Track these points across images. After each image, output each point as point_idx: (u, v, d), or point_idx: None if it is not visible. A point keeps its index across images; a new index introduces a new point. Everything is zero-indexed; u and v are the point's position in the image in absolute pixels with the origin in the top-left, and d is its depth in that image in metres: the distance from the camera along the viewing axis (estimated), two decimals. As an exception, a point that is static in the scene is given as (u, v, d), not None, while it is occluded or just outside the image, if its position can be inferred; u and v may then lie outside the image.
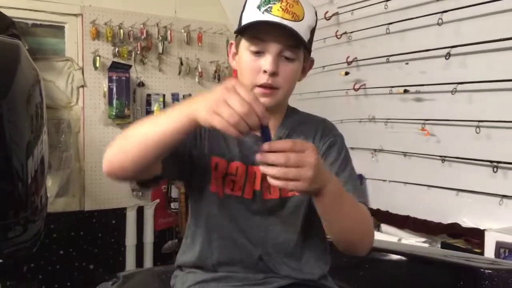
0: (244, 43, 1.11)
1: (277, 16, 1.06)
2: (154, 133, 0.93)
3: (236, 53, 1.17)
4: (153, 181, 1.07)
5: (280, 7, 1.07)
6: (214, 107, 0.83)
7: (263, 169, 0.86)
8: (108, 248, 3.46)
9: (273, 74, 1.08)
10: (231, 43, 1.19)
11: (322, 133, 1.21)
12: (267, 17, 1.06)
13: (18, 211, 1.78)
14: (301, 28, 1.08)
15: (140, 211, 3.49)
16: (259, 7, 1.07)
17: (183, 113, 0.89)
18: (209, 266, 1.15)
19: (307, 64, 1.19)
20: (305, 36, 1.09)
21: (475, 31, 2.12)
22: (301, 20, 1.08)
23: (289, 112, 1.24)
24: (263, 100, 1.09)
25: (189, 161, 1.12)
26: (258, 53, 1.09)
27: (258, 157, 0.86)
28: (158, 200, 3.51)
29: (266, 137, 0.87)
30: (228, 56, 1.21)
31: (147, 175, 1.04)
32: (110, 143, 1.01)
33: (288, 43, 1.08)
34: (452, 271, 1.42)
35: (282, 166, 0.84)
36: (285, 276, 1.15)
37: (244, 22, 1.10)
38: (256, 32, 1.08)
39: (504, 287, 1.20)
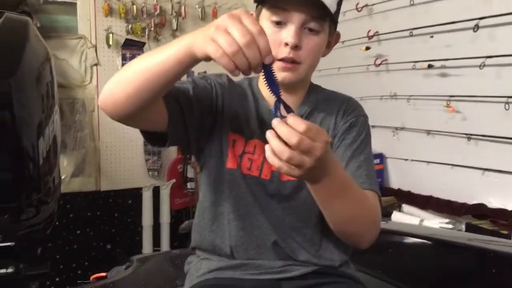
0: (264, 13, 1.03)
1: None
2: (152, 64, 0.85)
3: None
4: (159, 138, 1.01)
5: None
6: (213, 33, 0.75)
7: (270, 138, 0.77)
8: (125, 228, 3.45)
9: (296, 47, 0.99)
10: (251, 14, 1.09)
11: (345, 111, 1.13)
12: None
13: (30, 192, 1.73)
14: None
15: (156, 191, 3.46)
16: None
17: (183, 42, 0.81)
18: (225, 250, 1.09)
19: (333, 38, 1.10)
20: (332, 7, 1.00)
21: (505, 1, 1.99)
22: None
23: (311, 89, 1.16)
24: (284, 75, 1.02)
25: (200, 122, 1.05)
26: (280, 24, 1.00)
27: (273, 123, 0.77)
28: (174, 180, 3.47)
29: (286, 108, 0.80)
30: None
31: (147, 122, 0.98)
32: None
33: (313, 13, 0.99)
34: (478, 256, 1.35)
35: (291, 146, 0.76)
36: (304, 261, 1.08)
37: None
38: (278, 2, 0.99)
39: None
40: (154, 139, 1.02)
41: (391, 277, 1.47)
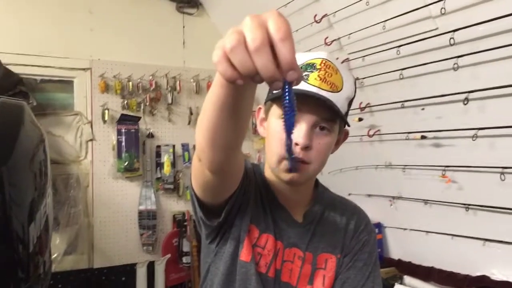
0: (275, 110, 1.02)
1: (314, 85, 0.98)
2: (213, 93, 0.74)
3: (264, 119, 1.08)
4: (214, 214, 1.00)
5: (318, 76, 0.98)
6: (226, 47, 0.59)
7: None
8: (118, 307, 3.32)
9: (306, 147, 0.98)
10: (259, 108, 1.10)
11: (356, 227, 1.14)
12: (303, 86, 0.97)
13: (19, 282, 1.67)
14: (339, 100, 0.99)
15: (151, 266, 3.37)
16: None
17: None
18: None
19: (341, 136, 1.10)
20: (342, 108, 1.01)
21: (493, 76, 2.04)
22: (339, 91, 0.99)
23: (319, 189, 1.17)
24: (291, 175, 1.02)
25: (235, 207, 1.03)
26: None
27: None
28: (169, 255, 3.39)
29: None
30: (256, 120, 1.12)
31: (231, 177, 0.95)
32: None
33: (324, 115, 0.99)
34: None
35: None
36: None
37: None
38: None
39: None
40: (210, 215, 1.02)
41: None
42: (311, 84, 0.98)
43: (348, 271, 1.09)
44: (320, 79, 0.98)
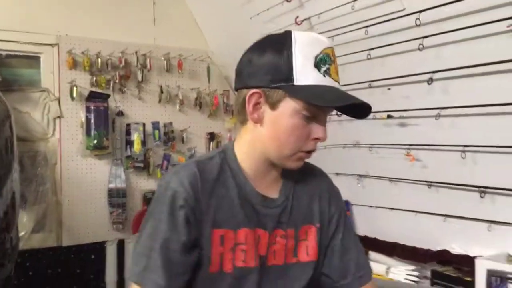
0: (294, 104, 0.98)
1: (335, 80, 1.00)
2: None
3: (259, 104, 1.02)
4: None
5: (335, 69, 1.00)
6: None
7: None
8: (88, 284, 3.32)
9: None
10: (255, 92, 1.01)
11: (329, 193, 1.19)
12: (329, 82, 0.98)
13: (-15, 256, 1.66)
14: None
15: (121, 244, 3.37)
16: (317, 66, 0.97)
17: None
18: None
19: None
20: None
21: (456, 56, 2.10)
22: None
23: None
24: (300, 163, 1.06)
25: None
26: (309, 118, 1.00)
27: None
28: (132, 264, 3.37)
29: None
30: (248, 106, 1.03)
31: None
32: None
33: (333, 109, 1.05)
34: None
35: None
36: None
37: (301, 80, 0.96)
38: (324, 102, 0.98)
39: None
40: None
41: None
42: (333, 78, 0.99)
43: (335, 237, 1.16)
44: (336, 73, 1.00)
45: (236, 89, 1.07)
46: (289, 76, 0.97)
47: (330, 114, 1.06)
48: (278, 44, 0.99)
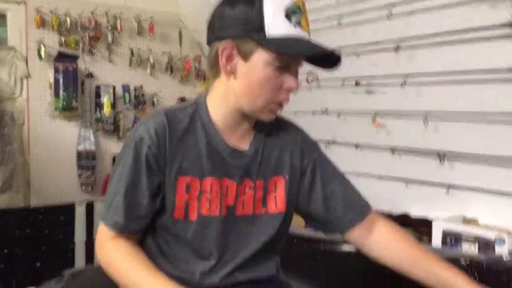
0: (266, 55, 1.00)
1: (305, 31, 1.01)
2: None
3: (231, 56, 1.03)
4: None
5: (305, 19, 1.01)
6: None
7: None
8: (57, 245, 3.33)
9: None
10: (228, 44, 1.02)
11: (303, 149, 1.19)
12: (300, 32, 0.99)
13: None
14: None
15: (90, 206, 3.38)
16: (288, 17, 0.98)
17: None
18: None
19: None
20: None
21: (423, 25, 2.17)
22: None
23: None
24: (273, 115, 1.08)
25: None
26: (281, 69, 1.01)
27: None
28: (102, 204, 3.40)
29: None
30: (221, 58, 1.03)
31: None
32: (105, 255, 1.08)
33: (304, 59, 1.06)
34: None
35: None
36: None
37: (272, 31, 0.98)
38: (296, 52, 1.00)
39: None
40: None
41: (325, 284, 1.54)
42: (304, 30, 1.00)
43: (313, 190, 1.18)
44: (306, 24, 1.01)
45: (209, 43, 1.08)
46: (260, 27, 0.98)
47: (301, 66, 1.07)
48: None
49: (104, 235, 1.07)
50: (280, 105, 1.07)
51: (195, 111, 1.10)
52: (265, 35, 0.98)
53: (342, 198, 1.19)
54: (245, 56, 1.02)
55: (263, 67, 1.00)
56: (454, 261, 1.26)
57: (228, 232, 1.10)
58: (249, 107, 1.06)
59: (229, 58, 1.03)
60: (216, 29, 1.05)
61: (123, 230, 1.05)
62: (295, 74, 1.04)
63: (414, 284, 1.30)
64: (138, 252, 1.07)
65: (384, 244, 1.18)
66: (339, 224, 1.19)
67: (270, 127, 1.15)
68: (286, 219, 1.17)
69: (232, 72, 1.04)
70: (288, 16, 0.98)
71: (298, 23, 0.99)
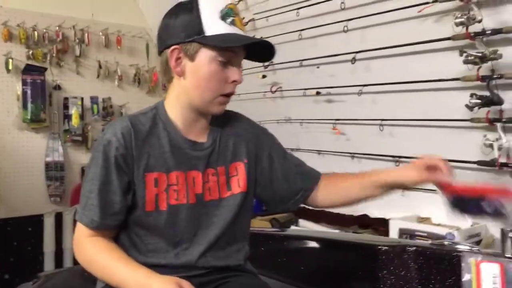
0: (209, 53, 1.13)
1: (240, 28, 1.14)
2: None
3: (180, 58, 1.15)
4: None
5: (239, 19, 1.15)
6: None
7: None
8: (25, 256, 3.34)
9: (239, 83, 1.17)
10: (175, 48, 1.14)
11: (254, 134, 1.33)
12: (236, 30, 1.13)
13: None
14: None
15: (58, 216, 3.41)
16: (223, 18, 1.12)
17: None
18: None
19: None
20: None
21: (377, 38, 2.33)
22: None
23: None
24: (222, 107, 1.20)
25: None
26: (224, 63, 1.14)
27: None
28: (77, 205, 3.43)
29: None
30: (170, 61, 1.16)
31: None
32: (80, 246, 1.16)
33: (244, 54, 1.17)
34: (354, 249, 1.58)
35: None
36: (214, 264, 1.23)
37: (209, 32, 1.11)
38: (233, 45, 1.12)
39: (398, 261, 1.37)
40: None
41: (288, 277, 1.65)
42: (238, 27, 1.14)
43: (273, 170, 1.32)
44: (242, 24, 1.16)
45: (159, 53, 1.22)
46: (200, 30, 1.12)
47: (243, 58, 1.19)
48: (188, 5, 1.15)
49: (81, 233, 1.15)
50: (227, 96, 1.19)
51: (155, 114, 1.22)
52: (205, 35, 1.12)
53: (299, 172, 1.35)
54: (191, 57, 1.15)
55: (208, 63, 1.14)
56: (403, 248, 1.40)
57: (197, 217, 1.21)
58: (199, 101, 1.18)
59: (178, 61, 1.16)
60: (164, 39, 1.18)
61: (99, 227, 1.14)
62: (238, 67, 1.17)
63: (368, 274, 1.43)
64: (114, 246, 1.16)
65: (325, 192, 1.35)
66: (301, 193, 1.34)
67: (224, 120, 1.29)
68: (248, 197, 1.29)
69: (182, 73, 1.17)
70: (223, 18, 1.13)
71: (233, 23, 1.13)
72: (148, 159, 1.16)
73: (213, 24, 1.12)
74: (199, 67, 1.15)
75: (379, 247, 1.44)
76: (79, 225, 1.16)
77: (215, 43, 1.12)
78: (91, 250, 1.13)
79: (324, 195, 1.35)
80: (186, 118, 1.21)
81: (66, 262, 3.38)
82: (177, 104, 1.21)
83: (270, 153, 1.34)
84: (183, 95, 1.19)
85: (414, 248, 1.36)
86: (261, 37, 2.94)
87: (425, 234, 2.24)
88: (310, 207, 1.39)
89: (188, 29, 1.13)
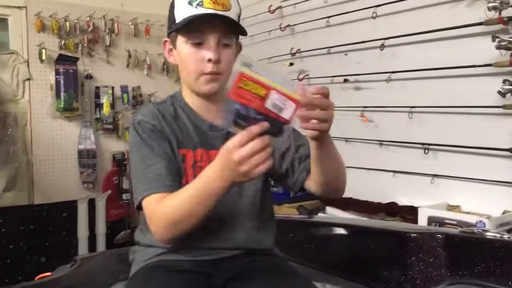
0: (181, 38, 1.19)
1: (209, 8, 1.15)
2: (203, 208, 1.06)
3: (171, 49, 1.24)
4: None
5: (210, 0, 1.16)
6: (243, 170, 0.93)
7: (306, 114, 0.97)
8: (60, 240, 3.45)
9: (217, 61, 1.18)
10: (165, 41, 1.26)
11: None
12: (201, 10, 1.15)
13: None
14: (232, 16, 1.18)
15: (91, 203, 3.50)
16: (190, 3, 1.16)
17: (220, 186, 1.01)
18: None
19: (237, 48, 1.29)
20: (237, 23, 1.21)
21: (406, 24, 2.30)
22: (230, 9, 1.18)
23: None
24: (210, 86, 1.20)
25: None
26: (198, 44, 1.17)
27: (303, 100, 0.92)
28: (109, 192, 3.53)
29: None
30: (164, 53, 1.28)
31: None
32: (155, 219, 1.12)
33: (224, 30, 1.18)
34: (382, 236, 1.58)
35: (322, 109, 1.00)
36: (242, 246, 1.24)
37: (178, 19, 1.17)
38: (194, 25, 1.16)
39: (427, 248, 1.37)
40: None
41: (315, 263, 1.66)
42: (206, 8, 1.16)
43: (291, 151, 1.28)
44: (213, 2, 1.16)
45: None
46: (173, 19, 1.19)
47: (222, 40, 1.18)
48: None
49: (151, 203, 1.13)
50: (210, 74, 1.19)
51: (174, 101, 1.28)
52: (176, 23, 1.18)
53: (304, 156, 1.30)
54: (174, 46, 1.22)
55: (183, 47, 1.19)
56: (432, 235, 1.40)
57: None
58: (189, 84, 1.24)
59: (170, 52, 1.26)
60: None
61: (174, 188, 1.13)
62: (213, 47, 1.17)
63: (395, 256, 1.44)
64: None
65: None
66: (300, 176, 1.28)
67: None
68: (267, 180, 1.31)
69: (175, 61, 1.25)
70: (190, 2, 1.16)
71: (200, 4, 1.15)
72: (177, 136, 1.22)
73: (180, 11, 1.17)
74: (179, 52, 1.21)
75: (408, 234, 1.44)
76: (146, 201, 1.14)
77: (176, 28, 1.18)
78: (168, 201, 1.10)
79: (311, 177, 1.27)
80: (195, 101, 1.27)
81: (99, 247, 3.49)
82: (185, 89, 1.28)
83: (290, 137, 1.29)
84: (183, 80, 1.26)
85: (444, 235, 1.36)
86: (288, 24, 2.96)
87: (455, 223, 2.22)
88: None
89: (169, 22, 1.22)
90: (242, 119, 0.91)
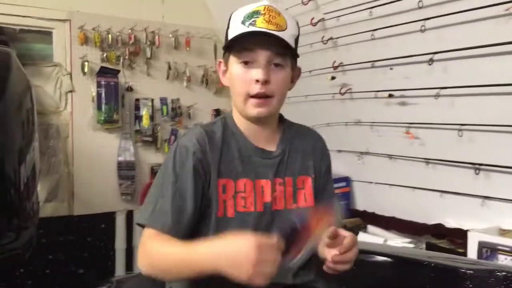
0: (233, 58, 1.17)
1: (262, 27, 1.12)
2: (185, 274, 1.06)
3: (226, 70, 1.21)
4: None
5: (264, 19, 1.12)
6: (256, 269, 0.90)
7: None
8: (98, 252, 3.47)
9: (266, 82, 1.13)
10: (220, 62, 1.24)
11: (322, 155, 1.32)
12: (252, 29, 1.12)
13: (11, 217, 1.79)
14: (286, 37, 1.13)
15: (129, 215, 3.51)
16: (243, 22, 1.13)
17: (212, 268, 0.96)
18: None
19: (295, 73, 1.24)
20: (291, 44, 1.15)
21: (457, 38, 2.19)
22: (285, 29, 1.14)
23: (285, 125, 1.30)
24: (258, 110, 1.15)
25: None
26: (248, 64, 1.13)
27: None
28: (142, 208, 3.51)
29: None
30: (219, 73, 1.26)
31: None
32: (143, 251, 1.12)
33: (276, 50, 1.13)
34: (435, 272, 1.48)
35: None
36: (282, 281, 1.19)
37: (230, 37, 1.16)
38: (244, 44, 1.13)
39: (485, 287, 1.26)
40: None
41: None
42: (259, 27, 1.12)
43: (324, 187, 1.33)
44: (266, 22, 1.12)
45: None
46: (227, 39, 1.18)
47: (274, 60, 1.15)
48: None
49: (149, 236, 1.12)
50: (257, 97, 1.15)
51: (225, 123, 1.24)
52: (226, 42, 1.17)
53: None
54: (227, 66, 1.20)
55: (234, 67, 1.16)
56: (490, 273, 1.29)
57: (265, 225, 1.19)
58: (237, 106, 1.20)
59: (224, 74, 1.23)
60: None
61: (170, 232, 1.11)
62: (262, 67, 1.13)
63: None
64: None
65: None
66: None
67: (295, 133, 1.30)
68: None
69: (228, 83, 1.22)
70: (243, 22, 1.13)
71: (252, 24, 1.12)
72: (219, 165, 1.17)
73: (233, 30, 1.15)
74: (230, 73, 1.18)
75: (463, 270, 1.33)
76: (147, 230, 1.13)
77: (226, 45, 1.17)
78: (155, 246, 1.09)
79: None
80: (246, 125, 1.23)
81: (136, 259, 3.48)
82: (235, 112, 1.24)
83: (327, 173, 1.35)
84: (234, 102, 1.22)
85: (504, 273, 1.25)
86: (331, 37, 2.89)
87: (508, 249, 2.09)
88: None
89: (224, 42, 1.20)
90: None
